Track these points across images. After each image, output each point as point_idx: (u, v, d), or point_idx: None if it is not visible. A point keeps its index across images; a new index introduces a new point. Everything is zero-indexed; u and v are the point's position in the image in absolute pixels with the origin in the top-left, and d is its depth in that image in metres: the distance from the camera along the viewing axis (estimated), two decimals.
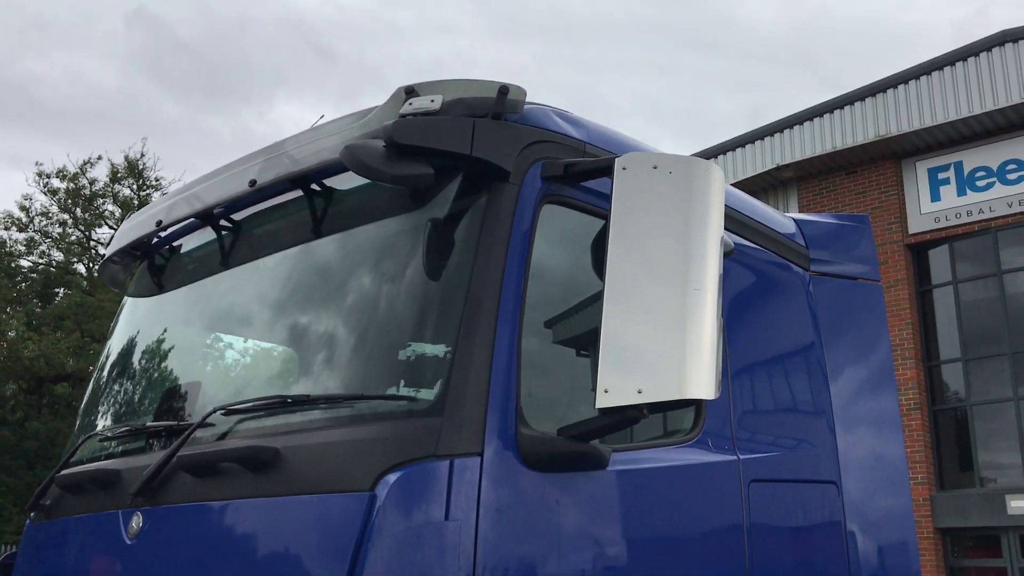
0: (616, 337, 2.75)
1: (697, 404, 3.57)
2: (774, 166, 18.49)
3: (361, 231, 3.25)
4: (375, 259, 3.16)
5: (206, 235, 3.79)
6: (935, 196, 17.05)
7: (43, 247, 33.45)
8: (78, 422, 3.98)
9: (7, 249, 32.96)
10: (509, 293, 2.94)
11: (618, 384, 2.72)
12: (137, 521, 3.10)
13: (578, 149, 3.25)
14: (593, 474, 3.01)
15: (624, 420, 2.79)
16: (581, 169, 3.10)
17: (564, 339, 3.26)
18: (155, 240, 4.04)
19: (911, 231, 17.10)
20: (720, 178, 2.90)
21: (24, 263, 33.71)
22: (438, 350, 2.86)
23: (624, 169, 2.87)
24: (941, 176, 17.11)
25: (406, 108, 2.99)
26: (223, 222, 3.65)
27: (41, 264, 33.80)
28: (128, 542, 3.10)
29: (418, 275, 3.00)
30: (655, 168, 2.85)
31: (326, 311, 3.22)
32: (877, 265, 4.86)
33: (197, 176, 3.93)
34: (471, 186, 3.01)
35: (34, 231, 33.57)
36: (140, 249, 4.09)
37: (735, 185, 11.66)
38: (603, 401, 2.74)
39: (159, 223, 3.81)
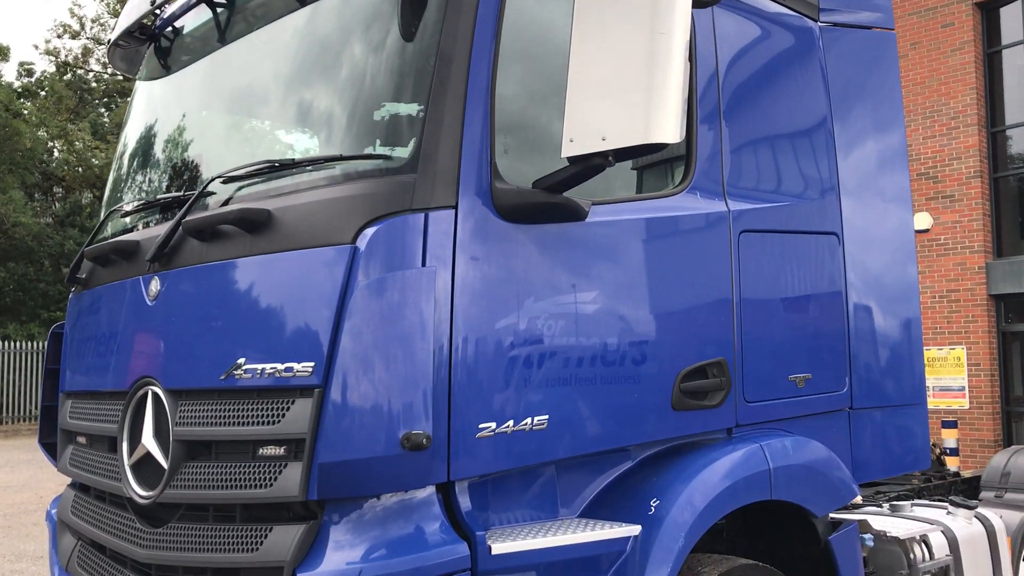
0: (581, 85, 2.79)
1: (687, 155, 3.61)
2: None
3: None
4: (349, 24, 3.20)
5: (202, 14, 3.84)
6: None
7: (98, 54, 33.57)
8: (104, 201, 4.22)
9: (63, 58, 33.19)
10: (481, 49, 2.97)
11: (582, 132, 2.79)
12: (155, 284, 3.36)
13: None
14: (571, 225, 3.13)
15: (590, 168, 2.87)
16: None
17: (539, 95, 3.30)
18: (157, 22, 4.11)
19: None
20: None
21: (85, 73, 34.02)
22: (411, 109, 2.95)
23: None
24: None
25: None
26: None
27: (104, 74, 34.07)
28: (149, 303, 3.37)
29: (390, 36, 3.04)
30: None
31: (307, 79, 3.30)
32: (891, 9, 4.66)
33: None
34: None
35: (87, 38, 33.62)
36: (144, 32, 4.17)
37: None
38: (568, 150, 2.82)
39: (153, 1, 3.87)
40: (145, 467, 3.27)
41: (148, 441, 3.25)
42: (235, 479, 2.94)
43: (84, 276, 3.99)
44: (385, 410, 2.75)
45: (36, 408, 25.37)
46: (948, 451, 9.11)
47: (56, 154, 32.69)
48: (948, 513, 5.07)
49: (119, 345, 3.55)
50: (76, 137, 30.87)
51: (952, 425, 11.08)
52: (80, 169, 31.04)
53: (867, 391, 4.30)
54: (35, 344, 25.61)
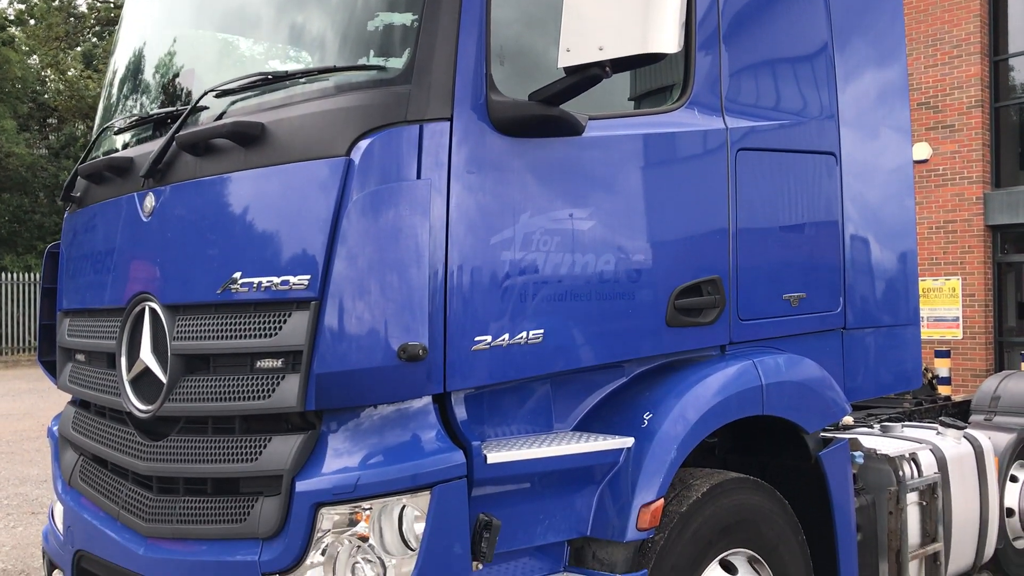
0: None
1: (685, 70, 3.58)
2: None
3: None
4: None
5: None
6: None
7: None
8: (97, 119, 4.18)
9: None
10: None
11: (580, 42, 2.76)
12: (150, 200, 3.35)
13: None
14: (568, 139, 3.11)
15: (587, 79, 2.84)
16: None
17: (536, 4, 3.25)
18: None
19: None
20: None
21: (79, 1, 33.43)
22: (405, 19, 2.91)
23: None
24: None
25: None
26: None
27: (97, 2, 33.47)
28: (144, 220, 3.36)
29: None
30: None
31: None
32: None
33: None
34: None
35: None
36: None
37: None
38: (565, 60, 2.79)
39: None
40: (144, 382, 3.30)
41: (146, 356, 3.28)
42: (233, 391, 2.97)
43: (78, 194, 3.97)
44: (381, 321, 2.77)
45: (35, 339, 25.49)
46: (940, 380, 9.20)
47: (48, 84, 32.28)
48: (938, 434, 5.16)
49: (115, 262, 3.55)
50: (68, 66, 30.44)
51: (945, 355, 11.16)
52: (73, 100, 30.67)
53: (861, 311, 4.33)
54: (32, 276, 25.63)
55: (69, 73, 30.45)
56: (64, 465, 3.92)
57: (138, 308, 3.35)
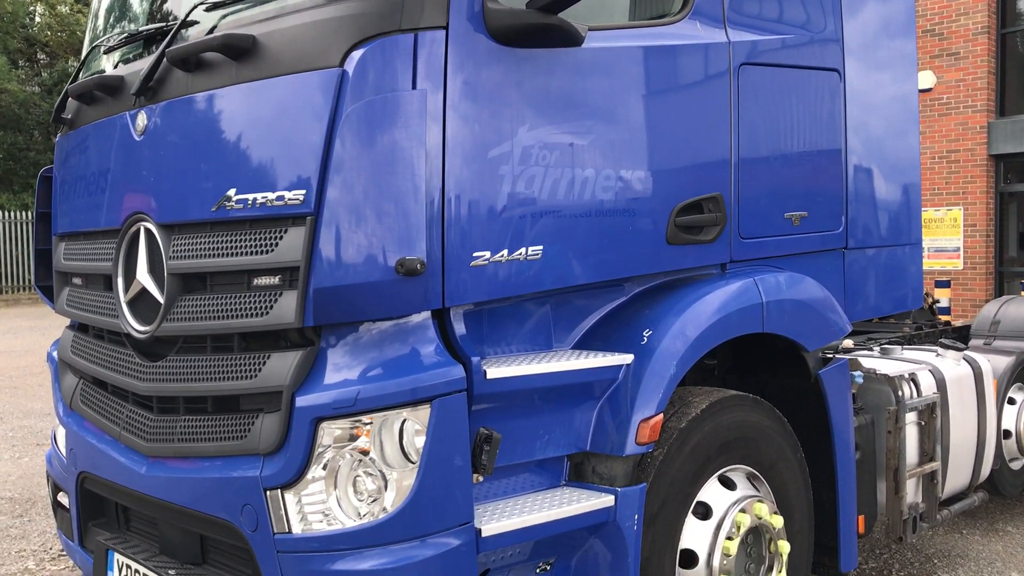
0: None
1: None
2: None
3: None
4: None
5: None
6: None
7: None
8: (86, 40, 4.09)
9: None
10: None
11: None
12: (142, 119, 3.29)
13: None
14: (567, 51, 3.04)
15: None
16: None
17: None
18: None
19: None
20: None
21: None
22: None
23: None
24: None
25: None
26: None
27: None
28: (137, 139, 3.31)
29: None
30: None
31: None
32: None
33: None
34: None
35: None
36: None
37: None
38: None
39: None
40: (141, 303, 3.28)
41: (143, 277, 3.25)
42: (231, 310, 2.95)
43: (70, 116, 3.90)
44: (378, 236, 2.74)
45: (34, 276, 25.47)
46: (940, 310, 9.20)
47: (38, 19, 31.75)
48: (937, 356, 5.17)
49: (109, 183, 3.50)
50: (59, 0, 29.92)
51: (945, 285, 11.15)
52: (64, 35, 30.20)
53: (862, 231, 4.29)
54: (28, 214, 25.52)
55: (60, 8, 29.91)
56: (64, 389, 3.92)
57: (133, 229, 3.31)
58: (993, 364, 5.43)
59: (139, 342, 3.34)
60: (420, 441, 2.72)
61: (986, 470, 5.23)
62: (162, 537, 3.44)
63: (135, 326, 3.30)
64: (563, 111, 3.07)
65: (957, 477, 4.97)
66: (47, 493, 6.69)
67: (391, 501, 2.72)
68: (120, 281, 3.37)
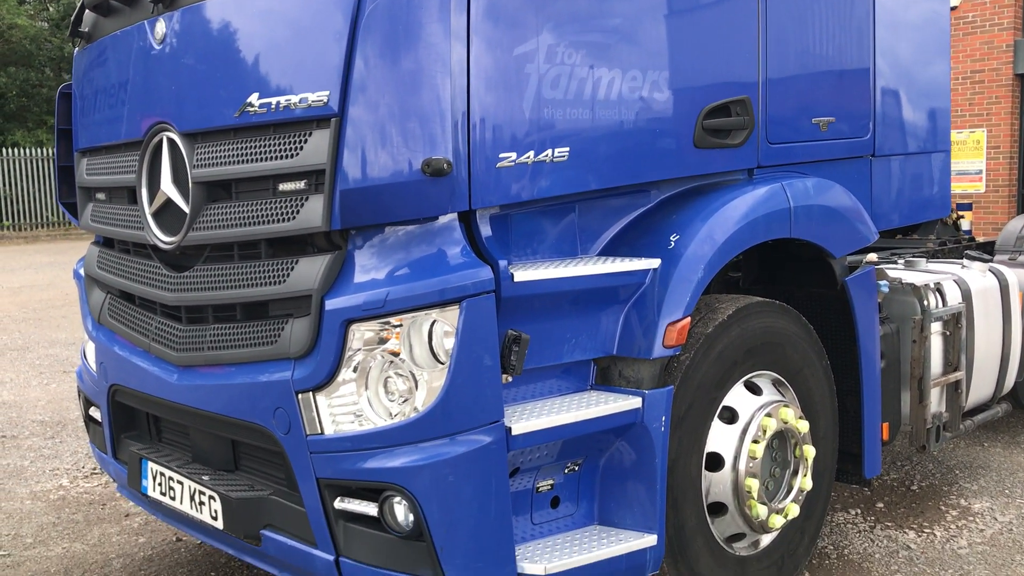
0: None
1: None
2: None
3: None
4: None
5: None
6: None
7: None
8: None
9: None
10: None
11: None
12: (160, 27, 3.25)
13: None
14: None
15: None
16: None
17: None
18: None
19: None
20: None
21: None
22: None
23: None
24: None
25: None
26: None
27: None
28: (156, 48, 3.27)
29: None
30: None
31: None
32: None
33: None
34: None
35: None
36: None
37: None
38: None
39: None
40: (166, 214, 3.28)
41: (167, 187, 3.25)
42: (257, 216, 2.95)
43: (86, 29, 3.85)
44: (404, 135, 2.71)
45: (52, 214, 25.62)
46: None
47: None
48: (963, 267, 5.12)
49: (129, 94, 3.47)
50: None
51: (967, 208, 11.01)
52: None
53: (890, 137, 4.23)
54: (44, 151, 25.51)
55: None
56: (92, 304, 3.95)
57: (156, 139, 3.29)
58: (1020, 277, 5.38)
59: (165, 253, 3.35)
60: (449, 343, 2.72)
61: (1010, 382, 5.23)
62: (194, 445, 3.49)
63: (161, 237, 3.30)
64: (590, 8, 3.00)
65: (980, 388, 4.97)
66: (79, 412, 6.82)
67: (422, 401, 2.74)
68: (144, 193, 3.37)
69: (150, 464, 3.54)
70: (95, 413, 4.04)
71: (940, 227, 6.28)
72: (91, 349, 3.98)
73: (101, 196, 3.85)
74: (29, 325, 11.25)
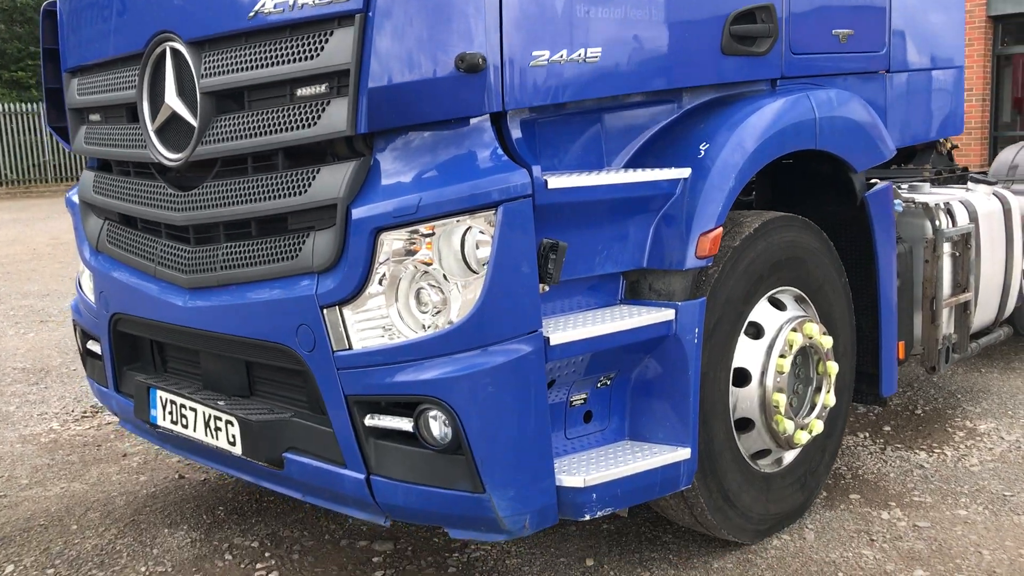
0: None
1: None
2: None
3: None
4: None
5: None
6: None
7: None
8: None
9: None
10: None
11: None
12: None
13: None
14: None
15: None
16: None
17: None
18: None
19: None
20: None
21: None
22: None
23: None
24: None
25: None
26: None
27: None
28: None
29: None
30: None
31: None
32: None
33: None
34: None
35: None
36: None
37: None
38: None
39: None
40: (171, 129, 3.12)
41: (172, 101, 3.08)
42: (273, 125, 2.81)
43: None
44: (437, 29, 2.58)
45: (12, 172, 24.96)
46: None
47: None
48: (967, 190, 5.09)
49: (126, 4, 3.28)
50: None
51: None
52: None
53: (905, 53, 4.16)
54: (3, 106, 24.78)
55: None
56: (89, 232, 3.78)
57: (158, 50, 3.12)
58: (1020, 203, 5.36)
59: (171, 172, 3.20)
60: (484, 251, 2.62)
61: (1011, 306, 5.23)
62: (205, 372, 3.37)
63: (166, 154, 3.14)
64: None
65: (985, 311, 4.97)
66: (61, 360, 6.63)
67: (456, 312, 2.64)
68: (146, 108, 3.20)
69: (159, 392, 3.41)
70: (94, 346, 3.89)
71: (935, 157, 6.25)
72: (88, 279, 3.82)
73: (95, 117, 3.66)
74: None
